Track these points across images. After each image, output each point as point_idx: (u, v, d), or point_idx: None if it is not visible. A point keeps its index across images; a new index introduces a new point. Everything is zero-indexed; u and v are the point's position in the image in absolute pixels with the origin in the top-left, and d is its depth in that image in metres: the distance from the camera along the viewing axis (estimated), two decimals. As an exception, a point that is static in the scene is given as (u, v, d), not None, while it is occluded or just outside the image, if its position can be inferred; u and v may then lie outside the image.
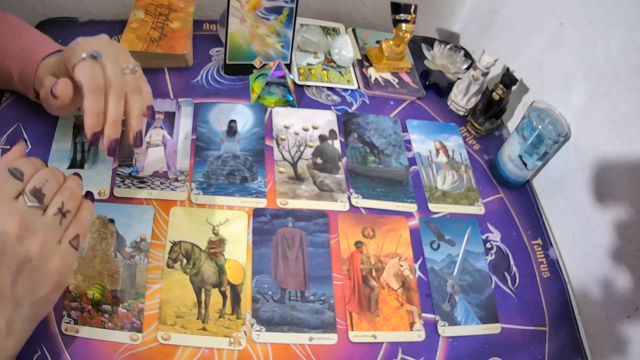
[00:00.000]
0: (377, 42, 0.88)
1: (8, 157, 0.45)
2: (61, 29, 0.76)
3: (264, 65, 0.76)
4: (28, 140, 0.63)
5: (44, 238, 0.42)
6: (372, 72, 0.84)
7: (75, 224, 0.46)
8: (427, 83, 0.86)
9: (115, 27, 0.78)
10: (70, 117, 0.66)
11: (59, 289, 0.45)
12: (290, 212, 0.64)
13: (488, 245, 0.69)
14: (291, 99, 0.75)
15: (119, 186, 0.61)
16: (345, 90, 0.81)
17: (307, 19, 0.90)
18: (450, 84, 0.86)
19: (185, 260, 0.58)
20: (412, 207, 0.69)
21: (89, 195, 0.49)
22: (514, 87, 0.75)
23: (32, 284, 0.42)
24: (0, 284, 0.40)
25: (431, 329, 0.60)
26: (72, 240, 0.45)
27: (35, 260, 0.41)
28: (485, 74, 0.78)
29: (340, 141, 0.74)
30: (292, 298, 0.58)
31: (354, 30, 0.91)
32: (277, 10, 0.74)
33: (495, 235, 0.70)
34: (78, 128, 0.65)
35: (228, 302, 0.56)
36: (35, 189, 0.43)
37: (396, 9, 0.79)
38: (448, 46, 0.92)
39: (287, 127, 0.73)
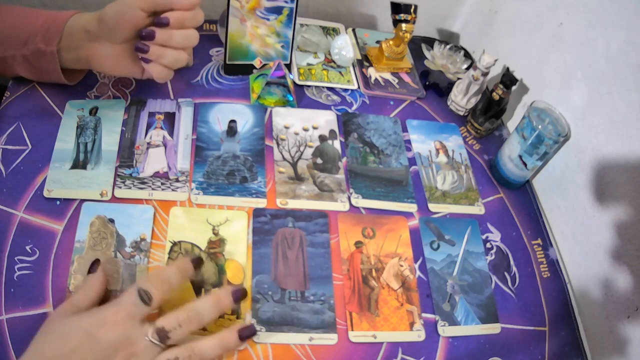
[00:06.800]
0: (377, 42, 0.88)
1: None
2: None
3: (264, 65, 0.76)
4: (28, 140, 0.63)
5: None
6: (372, 72, 0.84)
7: None
8: (427, 83, 0.86)
9: (115, 27, 0.78)
10: (74, 117, 0.66)
11: None
12: (290, 212, 0.64)
13: (488, 245, 0.69)
14: (291, 99, 0.75)
15: (120, 187, 0.61)
16: (345, 90, 0.81)
17: (307, 19, 0.90)
18: (450, 84, 0.86)
19: (185, 260, 0.58)
20: (412, 207, 0.69)
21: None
22: (514, 87, 0.75)
23: None
24: None
25: (431, 329, 0.60)
26: None
27: None
28: (485, 74, 0.78)
29: (340, 141, 0.74)
30: (292, 298, 0.58)
31: (354, 30, 0.91)
32: (277, 10, 0.74)
33: (495, 235, 0.70)
34: (82, 128, 0.65)
35: (228, 302, 0.56)
36: (164, 329, 0.44)
37: (396, 9, 0.79)
38: (448, 46, 0.92)
39: (287, 127, 0.73)
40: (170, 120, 0.69)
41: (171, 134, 0.68)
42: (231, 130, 0.70)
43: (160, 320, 0.45)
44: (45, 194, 0.59)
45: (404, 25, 0.79)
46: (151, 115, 0.69)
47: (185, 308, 0.47)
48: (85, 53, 0.59)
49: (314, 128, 0.74)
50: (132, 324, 0.44)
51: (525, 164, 0.71)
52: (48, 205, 0.58)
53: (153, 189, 0.62)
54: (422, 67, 0.89)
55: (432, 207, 0.70)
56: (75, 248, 0.56)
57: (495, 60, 0.76)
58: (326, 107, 0.78)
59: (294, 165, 0.69)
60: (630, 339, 0.59)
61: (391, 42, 0.83)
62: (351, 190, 0.68)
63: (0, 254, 0.54)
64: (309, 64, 0.82)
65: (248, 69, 0.77)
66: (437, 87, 0.86)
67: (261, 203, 0.64)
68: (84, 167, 0.62)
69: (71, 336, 0.43)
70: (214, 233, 0.60)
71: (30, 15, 0.60)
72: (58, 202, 0.59)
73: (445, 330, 0.60)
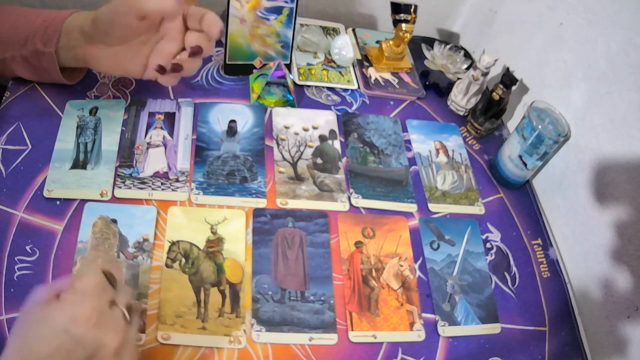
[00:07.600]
0: (377, 42, 0.88)
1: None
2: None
3: (264, 65, 0.76)
4: (28, 140, 0.63)
5: (132, 352, 0.43)
6: (372, 72, 0.84)
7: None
8: (427, 83, 0.86)
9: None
10: (74, 117, 0.66)
11: None
12: (290, 212, 0.64)
13: (488, 245, 0.69)
14: (291, 99, 0.75)
15: (120, 187, 0.61)
16: (345, 90, 0.81)
17: (307, 19, 0.90)
18: (450, 84, 0.86)
19: (183, 260, 0.58)
20: (412, 207, 0.69)
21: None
22: (514, 87, 0.75)
23: None
24: None
25: (431, 329, 0.60)
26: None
27: None
28: (485, 74, 0.78)
29: (340, 141, 0.74)
30: (292, 298, 0.58)
31: (354, 30, 0.91)
32: (277, 10, 0.74)
33: (495, 235, 0.70)
34: (82, 128, 0.65)
35: (227, 301, 0.56)
36: (130, 305, 0.44)
37: (396, 9, 0.79)
38: (448, 46, 0.92)
39: (287, 127, 0.73)
40: (170, 120, 0.69)
41: (171, 134, 0.68)
42: (231, 130, 0.70)
43: (122, 299, 0.43)
44: (45, 194, 0.59)
45: (404, 25, 0.79)
46: (151, 115, 0.69)
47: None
48: (82, 52, 0.59)
49: (314, 128, 0.74)
50: (108, 310, 0.41)
51: (525, 164, 0.71)
52: (48, 205, 0.58)
53: (153, 189, 0.62)
54: (422, 67, 0.89)
55: (432, 207, 0.70)
56: (78, 249, 0.56)
57: (495, 60, 0.76)
58: (326, 107, 0.78)
59: (294, 165, 0.69)
60: (630, 339, 0.59)
61: (391, 42, 0.83)
62: (351, 190, 0.68)
63: (0, 254, 0.54)
64: (309, 64, 0.82)
65: (248, 69, 0.77)
66: (437, 87, 0.86)
67: (261, 203, 0.64)
68: (84, 167, 0.62)
69: (49, 337, 0.39)
70: (212, 232, 0.60)
71: (29, 15, 0.60)
72: (58, 202, 0.59)
73: (445, 330, 0.60)
